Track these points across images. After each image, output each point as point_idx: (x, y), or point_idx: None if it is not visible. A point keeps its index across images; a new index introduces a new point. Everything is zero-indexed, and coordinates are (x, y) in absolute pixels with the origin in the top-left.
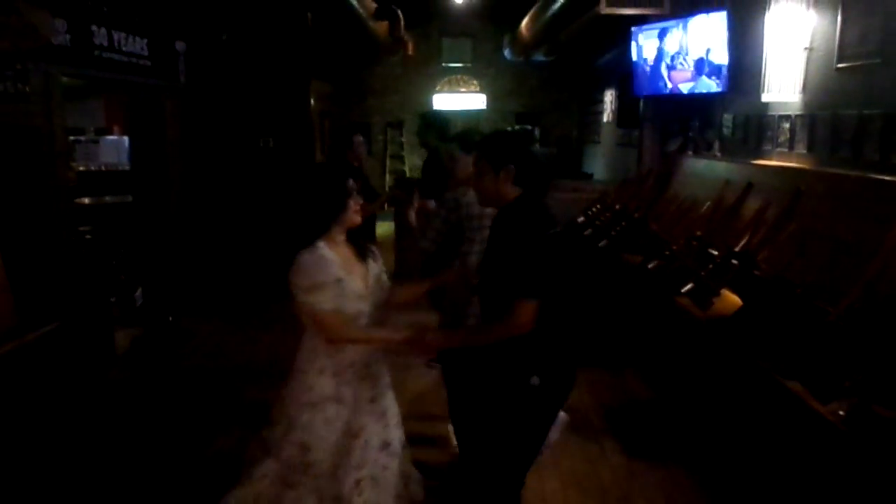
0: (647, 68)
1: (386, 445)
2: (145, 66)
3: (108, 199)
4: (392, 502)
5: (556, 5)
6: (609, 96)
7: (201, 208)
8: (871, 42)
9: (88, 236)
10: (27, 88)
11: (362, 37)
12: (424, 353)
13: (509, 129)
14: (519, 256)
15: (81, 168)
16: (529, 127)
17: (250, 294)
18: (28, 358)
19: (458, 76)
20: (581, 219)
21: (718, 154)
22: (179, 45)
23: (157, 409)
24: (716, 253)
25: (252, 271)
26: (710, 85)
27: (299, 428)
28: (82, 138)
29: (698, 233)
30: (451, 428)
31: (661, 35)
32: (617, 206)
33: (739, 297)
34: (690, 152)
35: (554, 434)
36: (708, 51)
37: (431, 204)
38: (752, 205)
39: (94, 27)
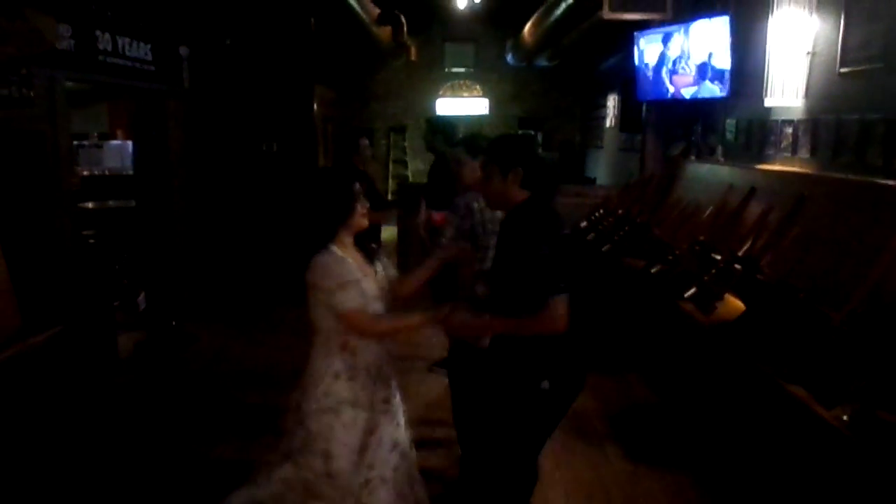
0: (650, 73)
1: (396, 446)
2: (149, 71)
3: (111, 203)
4: (399, 503)
5: (559, 10)
6: (612, 101)
7: (205, 213)
8: (874, 47)
9: (92, 241)
10: (31, 93)
11: (365, 42)
12: (453, 332)
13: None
14: (541, 258)
15: (85, 173)
16: (532, 132)
17: (254, 298)
18: (31, 362)
19: (461, 81)
20: (584, 224)
21: (721, 159)
22: (183, 51)
23: (160, 414)
24: (719, 257)
25: (255, 276)
26: (713, 90)
27: (319, 436)
28: (86, 143)
29: (701, 237)
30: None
31: (664, 40)
32: (620, 211)
33: (743, 301)
34: (693, 157)
35: None
36: (710, 55)
37: (437, 215)
38: (755, 209)
39: (98, 32)
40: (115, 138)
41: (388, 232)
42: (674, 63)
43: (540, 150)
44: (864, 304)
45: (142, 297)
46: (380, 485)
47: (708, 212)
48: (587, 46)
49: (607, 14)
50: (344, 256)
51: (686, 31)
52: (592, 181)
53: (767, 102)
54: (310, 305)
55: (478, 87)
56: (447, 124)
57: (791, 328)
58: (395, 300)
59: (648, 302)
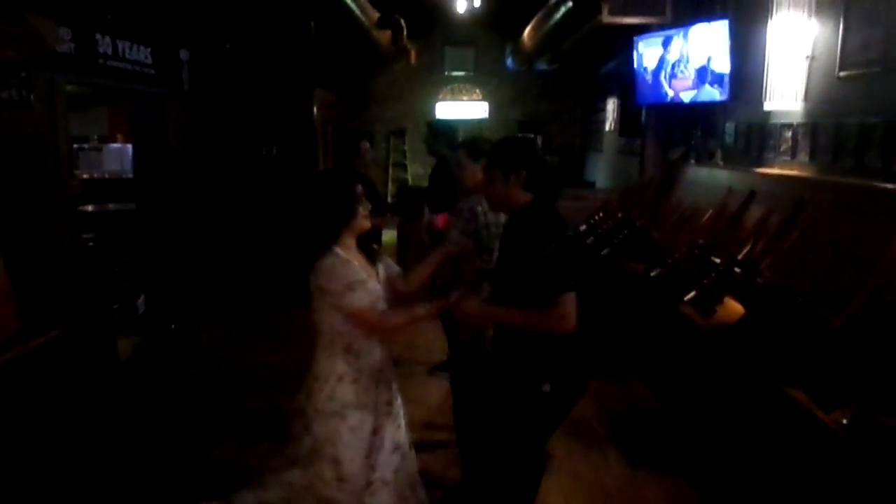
0: (649, 77)
1: (397, 448)
2: (149, 74)
3: (111, 206)
4: None
5: (559, 14)
6: (611, 105)
7: (204, 216)
8: (873, 51)
9: (91, 244)
10: (31, 96)
11: (365, 46)
12: (463, 318)
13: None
14: (549, 257)
15: (85, 176)
16: (532, 135)
17: (253, 302)
18: (31, 365)
19: (461, 85)
20: (583, 227)
21: (720, 162)
22: (183, 54)
23: (158, 417)
24: (718, 261)
25: (255, 280)
26: (713, 93)
27: (327, 441)
28: (86, 146)
29: (701, 241)
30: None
31: (663, 44)
32: (619, 215)
33: (742, 305)
34: (692, 161)
35: None
36: (709, 59)
37: (439, 218)
38: (755, 213)
39: (98, 36)
40: (114, 141)
41: (388, 235)
42: (673, 67)
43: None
44: (863, 308)
45: (141, 300)
46: (381, 487)
47: (707, 215)
48: (587, 50)
49: (607, 18)
50: (348, 258)
51: (685, 35)
52: (592, 184)
53: (767, 106)
54: (314, 308)
55: (477, 90)
56: (449, 128)
57: (791, 332)
58: (398, 298)
59: (648, 305)
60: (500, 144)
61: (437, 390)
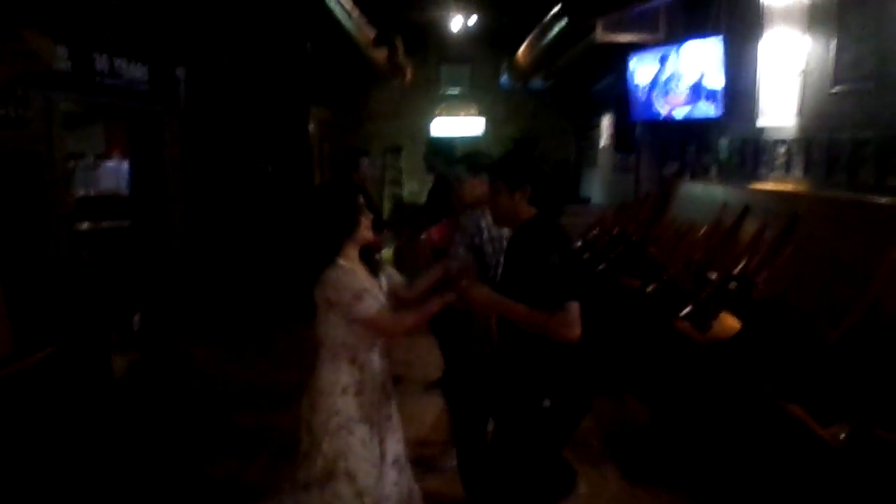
0: (643, 94)
1: (396, 460)
2: (146, 92)
3: (106, 224)
4: None
5: (553, 32)
6: (606, 121)
7: (200, 234)
8: (865, 66)
9: (87, 261)
10: (28, 114)
11: (361, 64)
12: (472, 304)
13: None
14: (552, 268)
15: (81, 193)
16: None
17: (249, 319)
18: (25, 382)
19: (457, 102)
20: (579, 243)
21: (715, 178)
22: (180, 72)
23: (154, 434)
24: (714, 276)
25: (251, 296)
26: (707, 110)
27: (339, 457)
28: (82, 164)
29: (696, 256)
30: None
31: (656, 61)
32: (615, 231)
33: (738, 320)
34: (687, 176)
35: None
36: (702, 76)
37: (434, 232)
38: (750, 228)
39: (95, 54)
40: (110, 159)
41: (385, 254)
42: (666, 84)
43: None
44: (859, 322)
45: (136, 317)
46: (383, 501)
47: (702, 231)
48: (581, 68)
49: (601, 36)
50: (353, 268)
51: (678, 52)
52: (587, 201)
53: (760, 122)
54: (319, 321)
55: (473, 107)
56: (448, 145)
57: (787, 346)
58: (401, 306)
59: (644, 321)
60: (505, 159)
61: (433, 408)
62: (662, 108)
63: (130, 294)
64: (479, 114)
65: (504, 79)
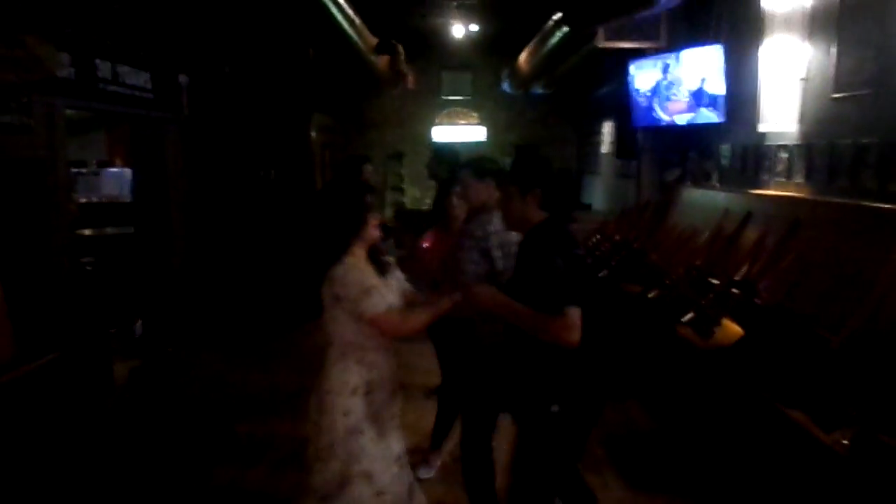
0: (644, 100)
1: (399, 457)
2: (148, 98)
3: (109, 230)
4: None
5: (555, 39)
6: (607, 128)
7: (202, 240)
8: (866, 72)
9: (89, 268)
10: (31, 121)
11: (363, 71)
12: (478, 304)
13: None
14: (555, 271)
15: (83, 200)
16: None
17: (250, 326)
18: (27, 388)
19: (458, 109)
20: (581, 250)
21: (717, 184)
22: (183, 79)
23: (155, 441)
24: (716, 282)
25: (252, 303)
26: (710, 116)
27: (353, 459)
28: (84, 171)
29: (698, 262)
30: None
31: (657, 67)
32: (616, 237)
33: (741, 326)
34: (689, 183)
35: None
36: (704, 82)
37: (426, 240)
38: (752, 234)
39: (98, 61)
40: (113, 166)
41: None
42: (667, 90)
43: None
44: (862, 327)
45: (138, 324)
46: (399, 498)
47: (704, 237)
48: (582, 74)
49: (602, 43)
50: (360, 265)
51: (679, 59)
52: (589, 207)
53: (762, 128)
54: (327, 319)
55: (475, 114)
56: (452, 152)
57: (789, 352)
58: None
59: (646, 327)
60: (517, 163)
61: (431, 415)
62: (663, 115)
63: (132, 300)
64: (481, 121)
65: (505, 85)
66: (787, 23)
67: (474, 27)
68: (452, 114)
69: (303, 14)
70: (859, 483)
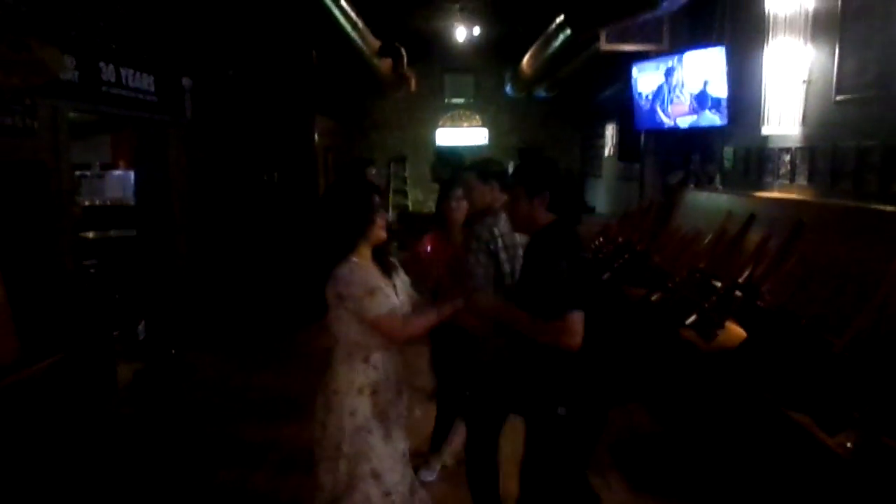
0: (647, 103)
1: (403, 455)
2: (152, 101)
3: (112, 233)
4: None
5: (557, 42)
6: (610, 130)
7: (206, 242)
8: (869, 75)
9: (93, 270)
10: (35, 123)
11: (366, 74)
12: (479, 311)
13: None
14: (559, 274)
15: (87, 203)
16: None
17: (254, 328)
18: (31, 390)
19: (461, 112)
20: (586, 253)
21: (720, 187)
22: (186, 82)
23: (158, 443)
24: (719, 285)
25: (256, 305)
26: (713, 119)
27: (361, 458)
28: (88, 173)
29: (701, 265)
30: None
31: (659, 70)
32: (619, 240)
33: (744, 328)
34: (692, 185)
35: None
36: (706, 85)
37: (424, 244)
38: (755, 237)
39: (102, 64)
40: (117, 169)
41: None
42: (670, 93)
43: None
44: (865, 330)
45: (141, 326)
46: (406, 498)
47: (707, 239)
48: (585, 77)
49: (604, 46)
50: (365, 265)
51: (682, 62)
52: (592, 210)
53: (765, 130)
54: (332, 319)
55: (477, 117)
56: (456, 155)
57: (793, 355)
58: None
59: (649, 330)
60: (525, 165)
61: (433, 418)
62: (666, 117)
63: (136, 303)
64: (483, 123)
65: (508, 88)
66: (790, 25)
67: (477, 30)
68: (455, 117)
69: (306, 17)
70: (863, 486)
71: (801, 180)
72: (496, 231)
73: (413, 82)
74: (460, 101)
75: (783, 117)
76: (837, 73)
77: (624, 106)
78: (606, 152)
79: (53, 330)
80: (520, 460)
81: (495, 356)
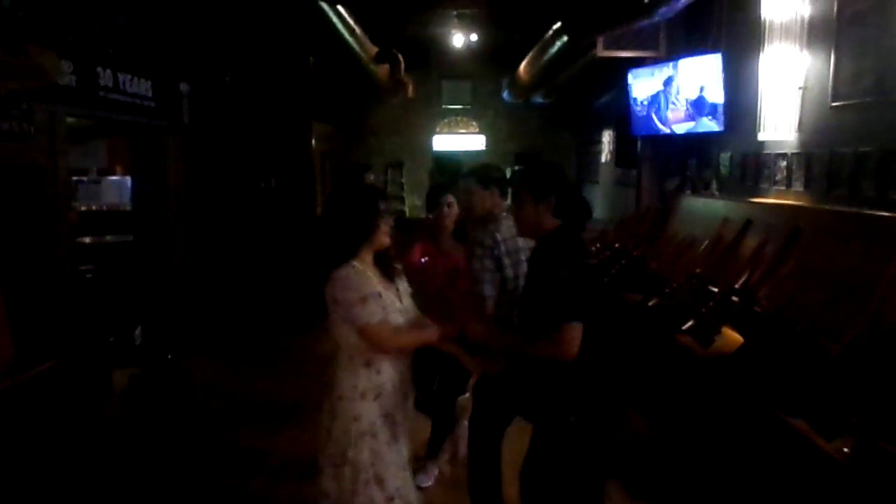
0: (643, 110)
1: (407, 460)
2: (149, 107)
3: (109, 238)
4: None
5: (554, 49)
6: (607, 137)
7: (202, 248)
8: (865, 81)
9: (89, 275)
10: (32, 128)
11: (363, 79)
12: (474, 339)
13: (510, 169)
14: (559, 282)
15: (83, 208)
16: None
17: (250, 333)
18: (26, 395)
19: (458, 118)
20: (591, 259)
21: (716, 193)
22: (183, 87)
23: (154, 449)
24: (716, 290)
25: (252, 311)
26: (709, 125)
27: (364, 463)
28: (85, 178)
29: (698, 270)
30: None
31: (654, 77)
32: (616, 245)
33: (741, 334)
34: (688, 191)
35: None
36: (703, 92)
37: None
38: (751, 242)
39: (99, 69)
40: (114, 174)
41: None
42: (666, 99)
43: None
44: (862, 335)
45: (138, 331)
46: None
47: (704, 245)
48: (582, 83)
49: (601, 52)
50: (364, 270)
51: (678, 68)
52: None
53: (761, 136)
54: (332, 322)
55: (475, 123)
56: (454, 161)
57: (790, 360)
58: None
59: (646, 335)
60: (530, 170)
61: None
62: (662, 124)
63: (132, 308)
64: (481, 130)
65: (505, 95)
66: (786, 32)
67: (474, 37)
68: (452, 123)
69: (304, 23)
70: (861, 491)
71: (798, 186)
72: (498, 236)
73: (410, 88)
74: (457, 107)
75: (779, 123)
76: (834, 79)
77: (621, 112)
78: (603, 158)
79: (49, 335)
80: (519, 466)
81: (500, 371)
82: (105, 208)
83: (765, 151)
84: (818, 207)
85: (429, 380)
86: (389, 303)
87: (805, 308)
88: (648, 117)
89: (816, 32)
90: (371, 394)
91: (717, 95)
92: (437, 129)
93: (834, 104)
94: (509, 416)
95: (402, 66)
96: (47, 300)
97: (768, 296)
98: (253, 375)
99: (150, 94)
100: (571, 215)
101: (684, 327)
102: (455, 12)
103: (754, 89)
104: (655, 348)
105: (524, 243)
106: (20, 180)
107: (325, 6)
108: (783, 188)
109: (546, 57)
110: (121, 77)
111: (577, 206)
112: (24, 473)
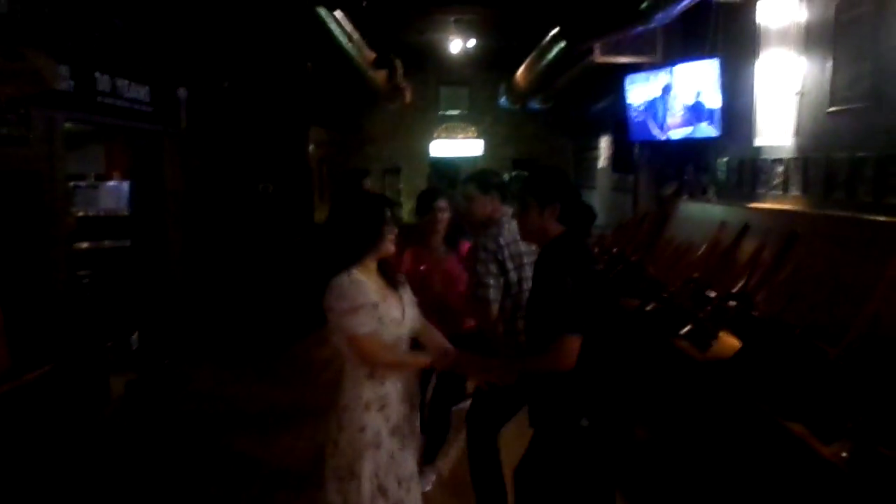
0: (640, 115)
1: (412, 476)
2: (147, 112)
3: (106, 243)
4: None
5: (552, 54)
6: (604, 142)
7: (200, 253)
8: (863, 86)
9: (86, 280)
10: (30, 133)
11: (361, 85)
12: (462, 373)
13: (507, 175)
14: (562, 291)
15: (81, 213)
16: (526, 173)
17: (248, 339)
18: (22, 400)
19: (456, 123)
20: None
21: (713, 198)
22: (181, 92)
23: (151, 455)
24: (713, 295)
25: (250, 316)
26: (707, 131)
27: (371, 476)
28: (82, 184)
29: (695, 275)
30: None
31: (650, 83)
32: (614, 250)
33: (738, 338)
34: (685, 196)
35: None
36: (700, 97)
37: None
38: (748, 247)
39: (97, 74)
40: (111, 179)
41: None
42: (663, 105)
43: None
44: (860, 339)
45: (135, 336)
46: None
47: (701, 250)
48: (580, 89)
49: (599, 58)
50: (362, 279)
51: (676, 74)
52: None
53: (758, 142)
54: (331, 330)
55: (472, 129)
56: (451, 167)
57: (787, 364)
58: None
59: (644, 340)
60: (535, 175)
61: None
62: (658, 129)
63: (129, 313)
64: (478, 135)
65: (503, 100)
66: (783, 37)
67: (472, 43)
68: (450, 128)
69: (301, 29)
70: (859, 496)
71: (795, 191)
72: (501, 240)
73: (408, 94)
74: (455, 112)
75: (776, 128)
76: (831, 85)
77: (618, 118)
78: (601, 163)
79: (46, 340)
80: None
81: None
82: (102, 213)
83: (762, 156)
84: (815, 212)
85: (422, 387)
86: (385, 314)
87: (802, 312)
88: (645, 123)
89: (813, 38)
90: (375, 405)
91: (713, 101)
92: (435, 135)
93: (831, 109)
94: (509, 414)
95: (400, 71)
96: (44, 305)
97: (766, 300)
98: (250, 381)
99: (147, 100)
100: (576, 221)
101: (682, 332)
102: (453, 18)
103: (751, 94)
104: (653, 353)
105: (527, 247)
106: (18, 185)
107: (322, 12)
108: (780, 193)
109: (543, 63)
110: (119, 82)
111: (582, 213)
112: (20, 480)
